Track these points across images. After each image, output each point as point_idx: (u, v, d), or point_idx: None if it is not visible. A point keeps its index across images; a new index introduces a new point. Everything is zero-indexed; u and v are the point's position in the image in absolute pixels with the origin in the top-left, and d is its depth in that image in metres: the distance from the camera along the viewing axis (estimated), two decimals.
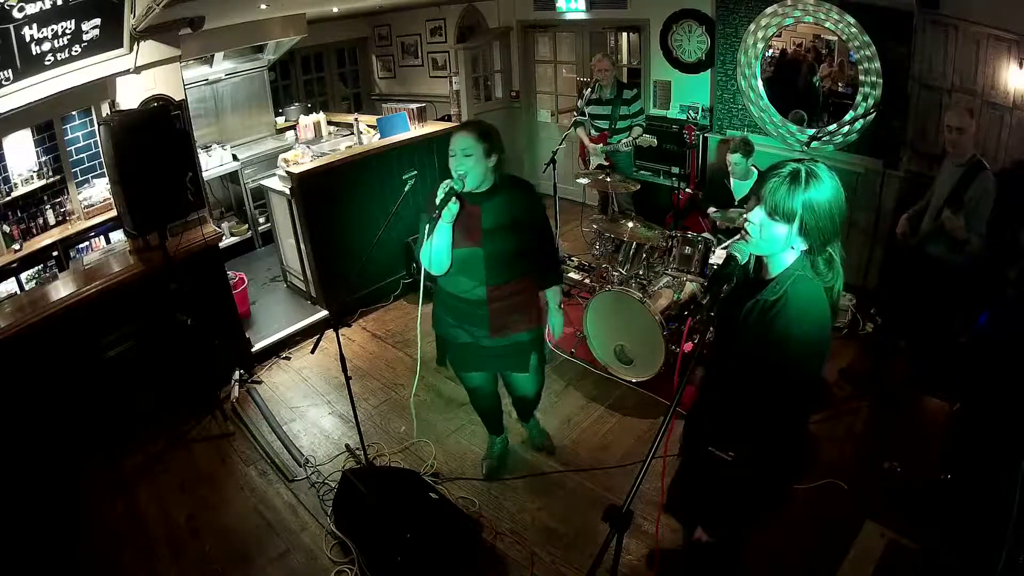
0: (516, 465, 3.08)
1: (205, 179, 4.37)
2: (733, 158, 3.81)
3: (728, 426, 1.66)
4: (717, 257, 1.55)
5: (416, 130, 4.95)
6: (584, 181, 4.27)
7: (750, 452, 1.57)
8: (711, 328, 1.85)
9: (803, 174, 1.39)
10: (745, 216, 1.50)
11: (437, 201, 2.11)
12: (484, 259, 2.30)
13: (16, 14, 2.61)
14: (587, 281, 4.67)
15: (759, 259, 1.56)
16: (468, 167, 2.17)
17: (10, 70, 2.71)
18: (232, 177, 5.48)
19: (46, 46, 2.79)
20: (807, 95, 4.52)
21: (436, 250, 2.24)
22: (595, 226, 4.18)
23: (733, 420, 1.63)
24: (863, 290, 4.13)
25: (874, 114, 3.96)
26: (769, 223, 1.44)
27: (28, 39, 2.71)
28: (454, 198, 2.15)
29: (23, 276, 3.73)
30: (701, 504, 1.81)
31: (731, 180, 3.98)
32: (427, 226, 2.20)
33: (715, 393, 1.72)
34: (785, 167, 1.42)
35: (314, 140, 5.72)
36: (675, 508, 2.01)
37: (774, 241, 1.45)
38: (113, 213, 3.95)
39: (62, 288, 3.19)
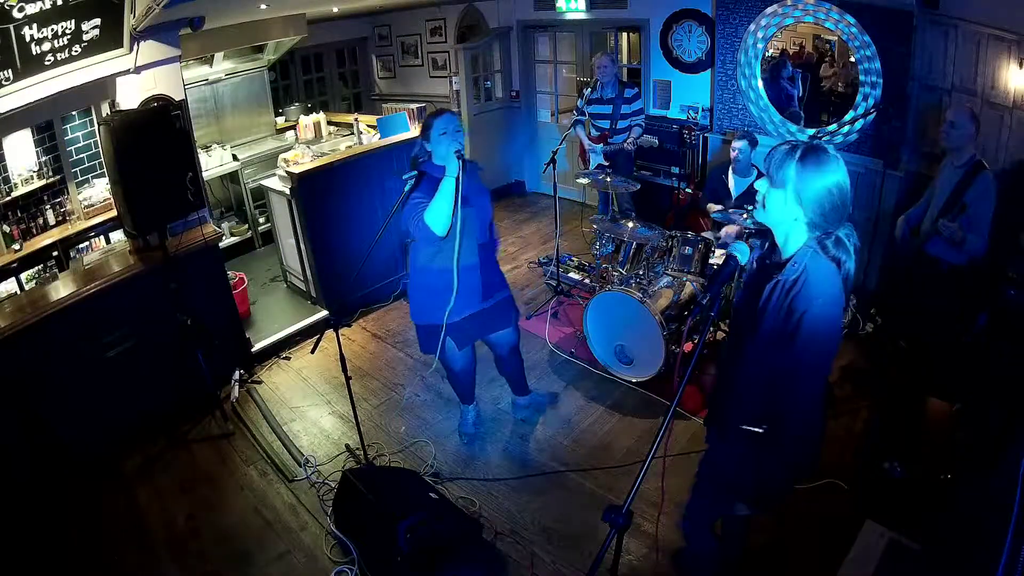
0: (516, 465, 3.08)
1: (205, 179, 4.37)
2: (739, 144, 3.82)
3: (753, 403, 1.70)
4: (717, 257, 1.60)
5: (416, 130, 4.94)
6: (584, 181, 4.27)
7: (779, 425, 1.63)
8: (715, 325, 1.89)
9: (801, 146, 1.51)
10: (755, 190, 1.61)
11: (450, 161, 2.41)
12: (467, 221, 2.55)
13: (16, 14, 2.61)
14: (587, 281, 4.67)
15: (773, 244, 1.65)
16: (462, 141, 2.48)
17: (10, 70, 2.71)
18: (232, 177, 5.47)
19: (46, 46, 2.79)
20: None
21: (448, 206, 2.42)
22: (595, 226, 4.18)
23: (758, 396, 1.68)
24: (863, 290, 4.13)
25: (874, 114, 3.97)
26: (771, 192, 1.55)
27: (28, 39, 2.70)
28: (456, 154, 2.42)
29: (23, 276, 3.73)
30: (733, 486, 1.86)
31: (730, 178, 3.98)
32: (421, 193, 2.47)
33: (735, 375, 1.76)
34: (791, 142, 1.54)
35: (314, 140, 5.72)
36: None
37: (778, 210, 1.55)
38: (113, 213, 3.95)
39: (62, 288, 3.19)
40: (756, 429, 1.66)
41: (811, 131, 4.27)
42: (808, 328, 1.49)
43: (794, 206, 1.52)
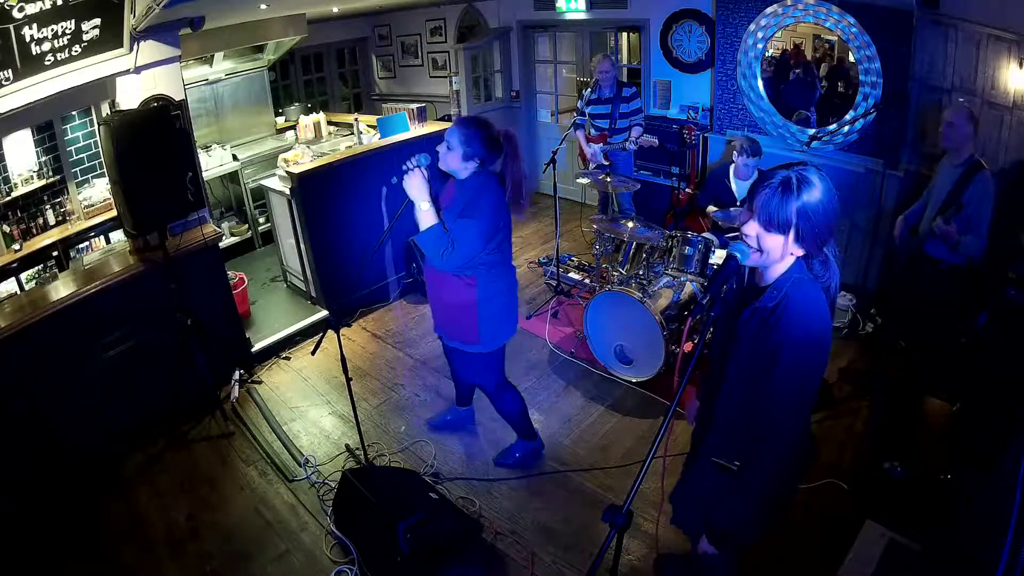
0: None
1: (205, 179, 4.37)
2: (750, 161, 3.81)
3: (730, 435, 1.65)
4: (717, 257, 1.55)
5: (416, 130, 4.94)
6: (584, 181, 4.27)
7: (752, 461, 1.57)
8: (710, 329, 1.84)
9: (794, 181, 1.39)
10: (740, 228, 1.50)
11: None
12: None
13: (16, 14, 2.61)
14: (587, 281, 4.67)
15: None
16: (442, 151, 2.36)
17: (10, 70, 2.71)
18: (232, 177, 5.47)
19: (46, 46, 2.79)
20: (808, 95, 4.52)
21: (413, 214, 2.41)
22: (595, 226, 4.18)
23: (735, 428, 1.62)
24: (863, 290, 4.12)
25: (874, 114, 3.96)
26: (765, 235, 1.43)
27: (28, 39, 2.70)
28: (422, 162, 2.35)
29: (23, 276, 3.72)
30: (706, 515, 1.80)
31: (732, 180, 3.98)
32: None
33: (715, 402, 1.71)
34: (775, 176, 1.41)
35: (314, 140, 5.72)
36: (682, 519, 2.00)
37: (772, 252, 1.45)
38: (113, 213, 3.95)
39: (62, 288, 3.19)
40: (729, 465, 1.60)
41: (811, 131, 4.27)
42: (786, 364, 1.42)
43: (795, 245, 1.43)
